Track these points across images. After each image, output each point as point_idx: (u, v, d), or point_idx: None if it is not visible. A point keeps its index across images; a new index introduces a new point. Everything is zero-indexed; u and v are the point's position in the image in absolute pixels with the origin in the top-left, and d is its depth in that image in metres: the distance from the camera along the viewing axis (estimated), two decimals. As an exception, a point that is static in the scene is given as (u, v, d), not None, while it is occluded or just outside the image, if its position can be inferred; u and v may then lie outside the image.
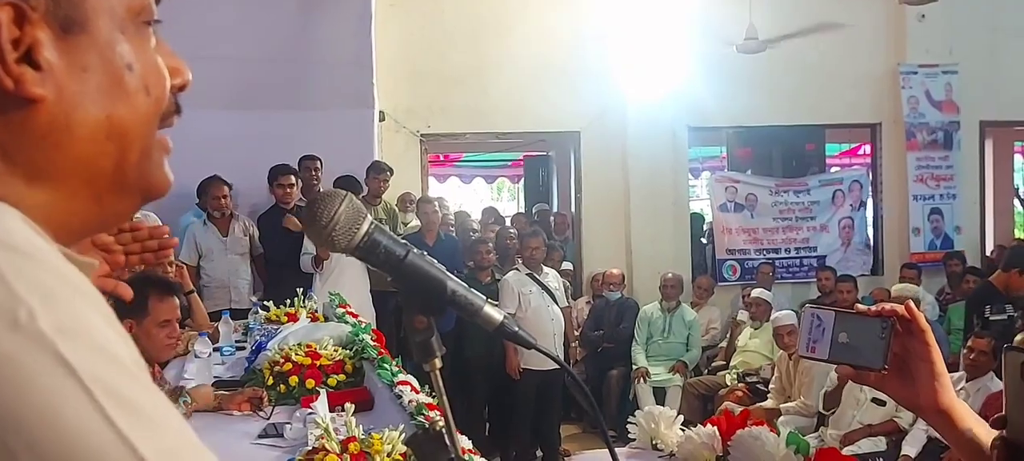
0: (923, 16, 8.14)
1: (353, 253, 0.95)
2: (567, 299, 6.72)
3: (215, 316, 5.23)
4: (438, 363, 0.98)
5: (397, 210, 7.07)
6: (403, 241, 0.97)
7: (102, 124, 0.58)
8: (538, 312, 5.97)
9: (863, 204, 8.87)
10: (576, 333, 7.10)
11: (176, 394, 3.38)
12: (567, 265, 7.75)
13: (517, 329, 1.00)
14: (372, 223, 0.94)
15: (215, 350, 4.39)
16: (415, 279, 0.96)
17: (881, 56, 8.54)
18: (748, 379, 6.44)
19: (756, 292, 7.03)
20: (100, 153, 0.58)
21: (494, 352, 5.95)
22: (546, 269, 6.29)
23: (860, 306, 1.13)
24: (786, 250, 8.59)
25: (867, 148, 9.81)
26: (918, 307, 4.46)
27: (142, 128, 0.61)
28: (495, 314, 0.98)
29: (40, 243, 0.50)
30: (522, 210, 10.68)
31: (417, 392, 3.06)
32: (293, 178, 6.17)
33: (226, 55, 6.39)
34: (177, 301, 3.18)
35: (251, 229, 6.33)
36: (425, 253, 0.98)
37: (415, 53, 7.78)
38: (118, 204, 0.62)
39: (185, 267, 5.27)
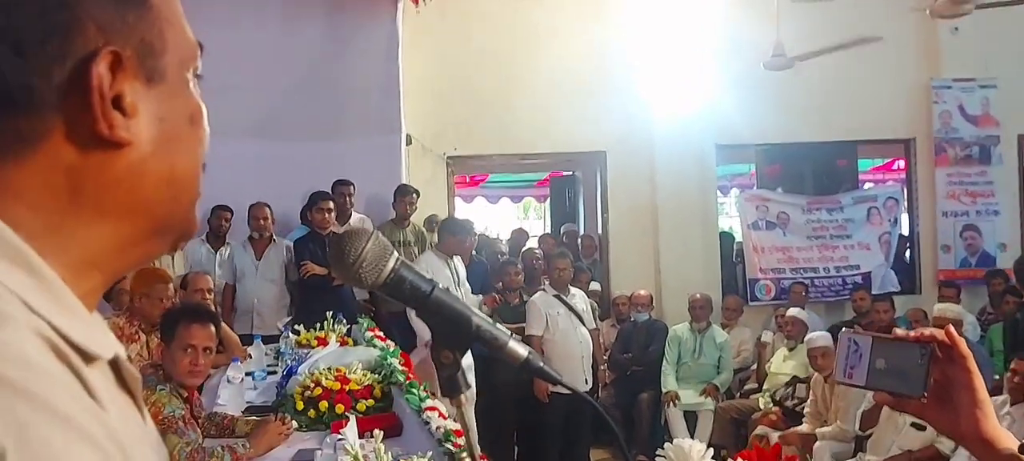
0: (956, 29, 8.03)
1: (380, 290, 0.95)
2: (595, 321, 6.67)
3: (245, 340, 5.28)
4: (464, 399, 0.98)
5: (425, 231, 7.10)
6: (428, 277, 0.97)
7: (166, 171, 0.61)
8: (565, 334, 5.94)
9: (897, 221, 8.73)
10: (604, 356, 7.04)
11: (211, 420, 3.42)
12: (595, 286, 7.71)
13: (542, 364, 0.99)
14: (398, 260, 0.94)
15: (247, 375, 4.43)
16: (441, 314, 0.96)
17: (914, 70, 8.43)
18: (784, 400, 6.27)
19: (792, 311, 6.89)
20: (159, 198, 0.62)
21: (522, 377, 5.91)
22: (573, 290, 6.26)
23: (898, 331, 1.11)
24: (825, 269, 8.44)
25: (901, 163, 9.67)
26: (960, 328, 4.31)
27: (194, 177, 0.64)
28: (520, 349, 0.97)
29: (35, 361, 0.49)
30: (548, 229, 10.67)
31: (445, 418, 3.06)
32: (330, 203, 6.20)
33: (257, 85, 6.50)
34: (210, 330, 3.19)
35: (285, 256, 6.37)
36: (449, 289, 0.98)
37: (442, 77, 7.83)
38: (158, 246, 0.65)
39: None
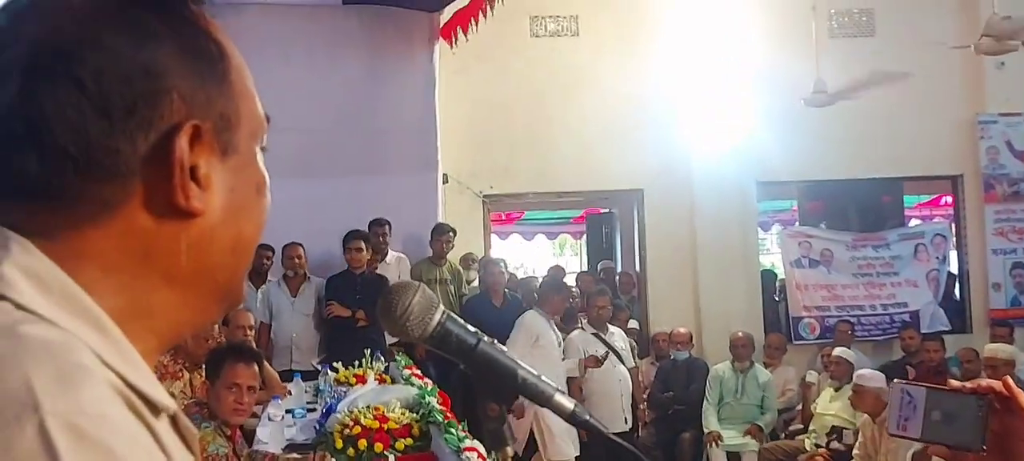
0: (1002, 63, 7.91)
1: (426, 342, 0.96)
2: (634, 359, 6.61)
3: (284, 376, 5.32)
4: (510, 451, 0.98)
5: (462, 270, 7.11)
6: (473, 329, 0.97)
7: (233, 239, 0.63)
8: (604, 372, 5.88)
9: (946, 258, 8.57)
10: (644, 395, 6.95)
11: (252, 458, 3.44)
12: (634, 324, 7.64)
13: (589, 417, 0.99)
14: (444, 313, 0.95)
15: (287, 412, 4.46)
16: (487, 367, 0.96)
17: (959, 105, 8.31)
18: (832, 444, 6.12)
19: (838, 351, 6.74)
20: (222, 265, 0.63)
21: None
22: (612, 328, 6.21)
23: (954, 382, 1.09)
24: (871, 307, 8.29)
25: (948, 199, 9.51)
26: (1012, 369, 4.18)
27: (254, 245, 0.67)
28: (566, 402, 0.97)
29: (111, 417, 0.50)
30: (585, 267, 10.64)
31: (484, 458, 3.04)
32: (363, 243, 6.25)
33: (296, 125, 6.60)
34: (253, 369, 3.23)
35: (319, 292, 6.43)
36: (495, 342, 0.97)
37: (478, 116, 7.90)
38: (215, 312, 0.67)
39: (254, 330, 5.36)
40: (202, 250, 0.61)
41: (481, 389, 0.98)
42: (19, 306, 0.53)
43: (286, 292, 6.40)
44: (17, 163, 0.56)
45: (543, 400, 0.97)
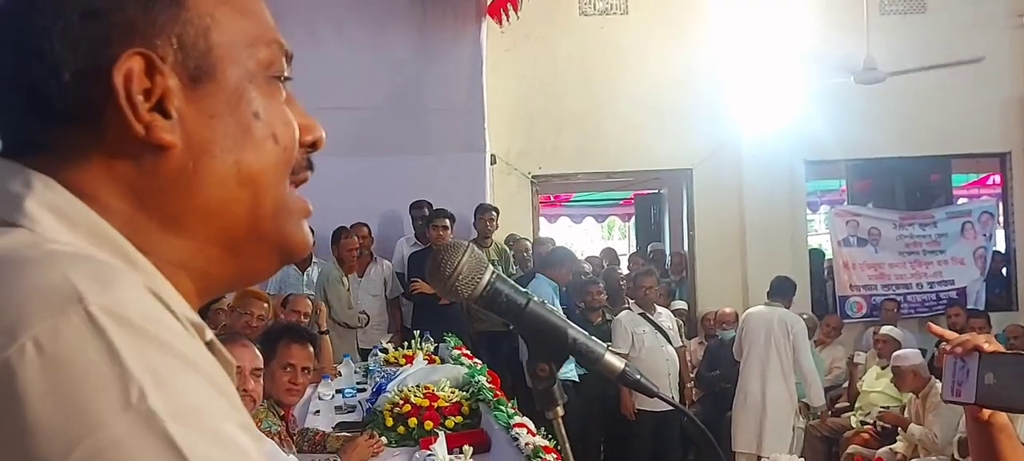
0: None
1: (476, 302, 0.97)
2: (681, 338, 6.58)
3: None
4: (560, 411, 0.99)
5: (507, 250, 7.12)
6: (524, 290, 0.97)
7: (231, 170, 0.59)
8: (652, 352, 5.88)
9: (993, 236, 8.40)
10: (691, 374, 6.92)
11: (303, 436, 3.51)
12: (679, 304, 7.60)
13: (639, 377, 0.99)
14: (494, 273, 0.96)
15: (338, 392, 4.54)
16: (536, 327, 0.96)
17: (1008, 83, 8.12)
18: (880, 423, 6.08)
19: (885, 329, 6.69)
20: (232, 199, 0.60)
21: (609, 394, 5.87)
22: (659, 308, 6.19)
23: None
24: (917, 285, 8.20)
25: (996, 178, 9.30)
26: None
27: (271, 176, 0.62)
28: (616, 362, 0.97)
29: (156, 313, 0.50)
30: (634, 249, 10.59)
31: (534, 434, 3.06)
32: (447, 221, 6.16)
33: (344, 105, 6.65)
34: (308, 350, 3.28)
35: (386, 272, 6.46)
36: (545, 302, 0.98)
37: (526, 96, 7.89)
38: (256, 260, 0.63)
39: (323, 306, 5.44)
40: (190, 183, 0.58)
41: (531, 349, 0.98)
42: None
43: (354, 272, 6.42)
44: (8, 120, 0.59)
45: (593, 360, 0.97)
